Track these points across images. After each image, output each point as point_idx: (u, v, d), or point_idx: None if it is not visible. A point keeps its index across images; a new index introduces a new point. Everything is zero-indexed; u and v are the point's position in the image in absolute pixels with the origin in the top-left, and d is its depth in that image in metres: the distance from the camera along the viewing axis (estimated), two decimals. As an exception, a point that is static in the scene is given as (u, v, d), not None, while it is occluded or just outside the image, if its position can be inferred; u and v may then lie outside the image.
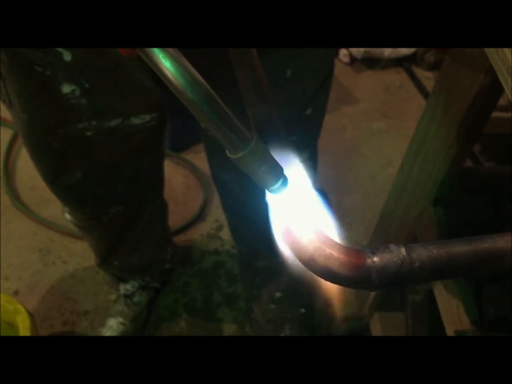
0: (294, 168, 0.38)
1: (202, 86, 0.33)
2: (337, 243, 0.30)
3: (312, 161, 1.01)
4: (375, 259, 0.29)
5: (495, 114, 0.81)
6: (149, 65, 0.34)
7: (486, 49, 0.49)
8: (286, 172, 0.37)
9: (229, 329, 1.35)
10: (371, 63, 2.04)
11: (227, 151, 0.36)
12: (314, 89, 0.84)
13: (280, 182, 0.36)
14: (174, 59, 0.33)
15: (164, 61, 0.33)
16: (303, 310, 1.29)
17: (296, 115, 0.85)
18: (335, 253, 0.29)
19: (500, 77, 0.47)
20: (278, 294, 1.28)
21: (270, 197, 0.36)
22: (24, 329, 1.00)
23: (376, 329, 1.21)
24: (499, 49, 0.47)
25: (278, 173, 0.36)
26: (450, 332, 0.84)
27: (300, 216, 0.31)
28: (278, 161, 0.36)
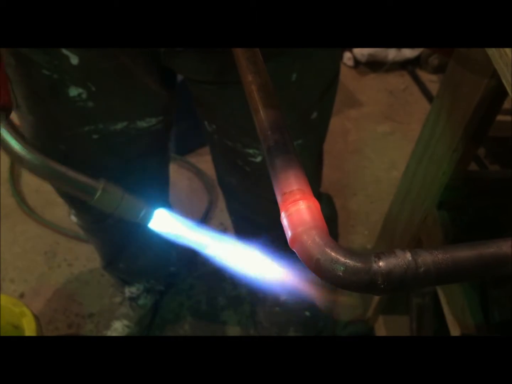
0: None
1: (40, 157, 0.40)
2: (343, 247, 0.30)
3: (317, 165, 1.01)
4: (381, 263, 0.29)
5: (499, 117, 0.81)
6: None
7: (490, 53, 0.50)
8: (148, 203, 0.43)
9: (233, 332, 1.35)
10: (375, 66, 2.04)
11: (87, 201, 0.41)
12: (319, 93, 0.84)
13: (142, 213, 0.43)
14: (13, 138, 0.40)
15: (7, 140, 0.40)
16: (308, 313, 1.29)
17: (301, 119, 0.85)
18: (341, 258, 0.29)
19: (504, 82, 0.48)
20: (282, 297, 1.28)
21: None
22: (29, 332, 1.00)
23: (381, 332, 1.21)
24: (503, 53, 0.47)
25: (137, 207, 0.43)
26: (455, 335, 0.84)
27: (307, 221, 0.31)
28: (135, 196, 0.43)
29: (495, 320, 0.78)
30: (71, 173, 0.41)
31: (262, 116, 0.40)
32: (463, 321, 0.82)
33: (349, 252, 0.29)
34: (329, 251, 0.29)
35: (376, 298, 1.17)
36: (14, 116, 0.85)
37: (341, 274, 0.29)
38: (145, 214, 0.44)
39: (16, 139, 0.39)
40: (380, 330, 1.22)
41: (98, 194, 0.42)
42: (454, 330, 0.84)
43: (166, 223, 0.45)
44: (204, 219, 1.56)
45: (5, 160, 1.66)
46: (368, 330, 1.25)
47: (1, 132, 0.40)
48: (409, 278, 0.29)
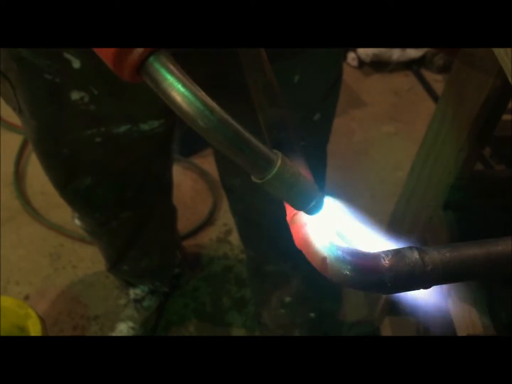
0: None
1: (214, 112, 0.31)
2: (350, 246, 0.30)
3: (321, 166, 1.01)
4: (388, 262, 0.29)
5: (505, 117, 0.80)
6: (157, 93, 0.32)
7: (496, 52, 0.49)
8: (319, 191, 0.34)
9: (238, 334, 1.35)
10: (379, 66, 2.03)
11: (252, 177, 0.33)
12: (322, 94, 0.84)
13: (314, 203, 0.33)
14: (183, 86, 0.31)
15: (173, 89, 0.31)
16: (312, 315, 1.29)
17: (305, 120, 0.85)
18: (348, 256, 0.29)
19: (510, 81, 0.47)
20: (287, 299, 1.28)
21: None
22: (35, 334, 1.00)
23: (387, 334, 1.21)
24: (509, 52, 0.47)
25: (311, 193, 0.33)
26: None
27: (313, 221, 0.31)
28: (309, 179, 0.33)
29: (502, 321, 0.78)
30: (250, 140, 0.32)
31: (268, 115, 0.40)
32: (469, 322, 0.81)
33: (357, 250, 0.29)
34: (336, 250, 0.29)
35: (382, 299, 1.17)
36: (17, 120, 0.85)
37: (348, 273, 0.28)
38: (316, 204, 0.33)
39: (184, 83, 0.31)
40: (386, 331, 1.21)
41: (272, 172, 0.31)
42: (461, 331, 0.83)
43: (335, 217, 0.34)
44: (208, 220, 1.56)
45: (10, 162, 1.67)
46: (374, 331, 1.25)
47: (160, 70, 0.31)
48: (416, 277, 0.28)
